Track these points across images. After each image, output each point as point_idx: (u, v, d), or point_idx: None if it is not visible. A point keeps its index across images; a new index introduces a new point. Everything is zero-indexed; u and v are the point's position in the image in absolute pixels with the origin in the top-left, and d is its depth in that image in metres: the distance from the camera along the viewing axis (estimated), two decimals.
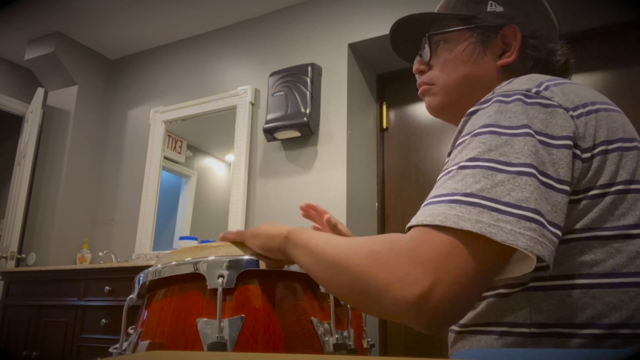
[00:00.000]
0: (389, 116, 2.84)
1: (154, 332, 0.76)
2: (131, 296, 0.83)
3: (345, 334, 0.83)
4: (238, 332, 0.71)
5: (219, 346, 0.69)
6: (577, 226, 0.56)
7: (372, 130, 2.81)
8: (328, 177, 2.51)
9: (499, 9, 0.75)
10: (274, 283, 0.78)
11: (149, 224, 3.05)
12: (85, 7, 3.08)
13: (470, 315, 0.64)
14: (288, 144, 2.70)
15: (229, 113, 2.94)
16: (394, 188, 2.70)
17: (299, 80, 2.61)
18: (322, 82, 2.67)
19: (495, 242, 0.48)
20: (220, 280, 0.73)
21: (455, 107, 0.77)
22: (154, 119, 3.24)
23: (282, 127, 2.56)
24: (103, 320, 2.38)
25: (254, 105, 2.89)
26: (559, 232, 0.51)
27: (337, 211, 2.42)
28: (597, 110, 0.59)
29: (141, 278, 0.82)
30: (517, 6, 0.76)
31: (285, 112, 2.57)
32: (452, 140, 0.62)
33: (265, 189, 2.72)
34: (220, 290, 0.72)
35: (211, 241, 2.12)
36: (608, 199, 0.56)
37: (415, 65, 0.83)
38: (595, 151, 0.57)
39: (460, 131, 0.61)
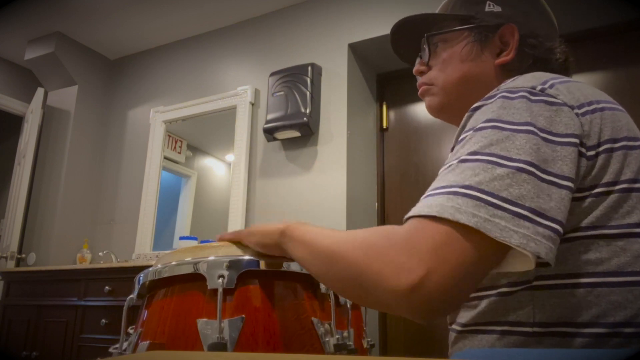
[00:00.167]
0: (389, 116, 2.84)
1: (154, 332, 0.76)
2: (131, 296, 0.83)
3: (346, 334, 0.83)
4: (238, 332, 0.71)
5: (219, 346, 0.69)
6: (582, 224, 0.56)
7: (372, 130, 2.81)
8: (328, 177, 2.51)
9: (497, 8, 0.76)
10: (274, 283, 0.78)
11: (149, 224, 3.05)
12: (85, 7, 3.08)
13: (471, 314, 0.64)
14: (288, 144, 2.69)
15: (229, 113, 2.94)
16: (394, 188, 2.70)
17: (299, 80, 2.61)
18: (322, 82, 2.67)
19: (490, 237, 0.49)
20: (220, 280, 0.73)
21: (454, 107, 0.77)
22: (154, 119, 3.24)
23: (282, 127, 2.56)
24: (103, 320, 2.38)
25: (254, 105, 2.89)
26: (558, 228, 0.51)
27: (337, 211, 2.42)
28: (602, 109, 0.59)
29: (141, 278, 0.82)
30: (515, 6, 0.76)
31: (285, 112, 2.57)
32: (455, 135, 0.62)
33: (265, 189, 2.72)
34: (220, 290, 0.72)
35: (211, 241, 2.12)
36: (613, 197, 0.56)
37: (416, 67, 0.83)
38: (600, 149, 0.57)
39: (464, 126, 0.61)
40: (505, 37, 0.75)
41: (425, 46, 0.80)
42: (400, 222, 0.55)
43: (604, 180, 0.56)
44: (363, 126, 2.73)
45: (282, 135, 2.61)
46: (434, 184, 0.55)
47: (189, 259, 0.77)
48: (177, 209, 3.19)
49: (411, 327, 2.48)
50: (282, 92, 2.63)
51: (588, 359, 0.52)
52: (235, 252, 0.78)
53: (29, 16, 3.17)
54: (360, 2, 2.67)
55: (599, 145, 0.57)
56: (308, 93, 2.57)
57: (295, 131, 2.56)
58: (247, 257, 0.77)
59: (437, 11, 0.82)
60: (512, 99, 0.58)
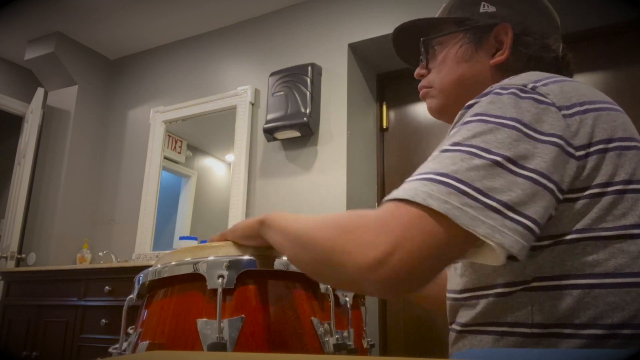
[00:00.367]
0: (389, 116, 2.84)
1: (153, 332, 0.76)
2: (131, 296, 0.82)
3: (345, 334, 0.83)
4: (238, 332, 0.71)
5: (218, 346, 0.69)
6: (578, 226, 0.56)
7: (372, 130, 2.81)
8: (328, 177, 2.51)
9: (491, 9, 0.77)
10: (274, 283, 0.78)
11: (149, 224, 3.05)
12: (85, 7, 3.08)
13: (471, 314, 0.64)
14: (288, 144, 2.69)
15: (229, 113, 2.94)
16: (394, 188, 2.67)
17: (299, 80, 2.61)
18: (322, 82, 2.67)
19: (458, 224, 0.50)
20: (220, 280, 0.73)
21: (453, 108, 0.78)
22: (154, 119, 3.24)
23: (282, 127, 2.56)
24: (103, 320, 2.38)
25: (254, 105, 2.89)
26: (528, 223, 0.51)
27: (337, 211, 2.42)
28: (597, 109, 0.59)
29: (141, 278, 0.82)
30: (510, 5, 0.77)
31: (285, 112, 2.57)
32: (448, 131, 0.64)
33: (265, 189, 2.72)
34: (220, 290, 0.72)
35: None
36: (607, 198, 0.56)
37: (417, 70, 0.85)
38: (592, 149, 0.57)
39: (456, 123, 0.62)
40: (500, 37, 0.75)
41: (423, 50, 0.81)
42: None
43: (597, 182, 0.56)
44: (363, 126, 2.73)
45: (282, 135, 2.61)
46: (415, 172, 0.57)
47: (188, 259, 0.77)
48: (177, 209, 3.19)
49: (411, 327, 2.48)
50: (282, 92, 2.63)
51: (588, 359, 0.52)
52: (235, 252, 0.78)
53: (29, 16, 3.17)
54: (360, 2, 2.67)
55: (589, 145, 0.57)
56: (308, 93, 2.57)
57: (295, 131, 2.56)
58: (246, 257, 0.77)
59: (437, 15, 0.84)
60: (502, 95, 0.59)
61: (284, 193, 2.64)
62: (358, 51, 2.72)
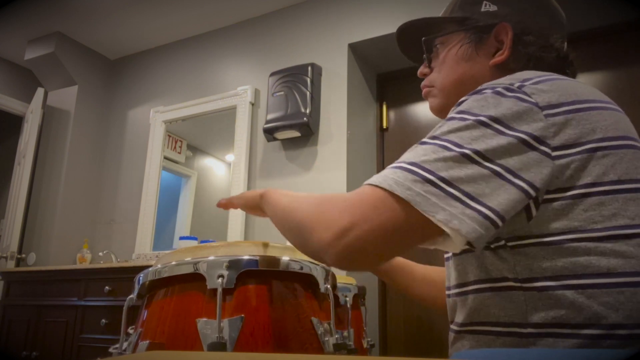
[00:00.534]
0: (389, 116, 2.84)
1: (153, 332, 0.76)
2: (131, 296, 0.82)
3: (345, 334, 0.83)
4: (238, 332, 0.71)
5: (218, 346, 0.69)
6: (562, 227, 0.56)
7: (372, 130, 2.81)
8: (328, 177, 2.51)
9: (493, 8, 0.77)
10: (273, 283, 0.78)
11: (149, 224, 3.05)
12: (85, 7, 3.08)
13: (463, 311, 0.65)
14: (288, 144, 2.70)
15: (229, 113, 2.94)
16: None
17: (299, 80, 2.61)
18: (322, 82, 2.67)
19: (417, 210, 0.53)
20: (220, 280, 0.73)
21: None
22: (154, 119, 3.24)
23: (282, 127, 2.56)
24: (103, 320, 2.38)
25: (254, 105, 2.89)
26: (489, 213, 0.53)
27: None
28: (588, 109, 0.59)
29: (141, 278, 0.82)
30: (511, 4, 0.76)
31: (285, 112, 2.57)
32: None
33: None
34: (220, 290, 0.72)
35: (211, 241, 2.12)
36: (593, 199, 0.56)
37: (420, 69, 0.85)
38: (577, 149, 0.56)
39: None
40: (500, 37, 0.75)
41: (425, 49, 0.82)
42: None
43: (582, 182, 0.56)
44: (363, 126, 2.73)
45: (282, 135, 2.61)
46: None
47: (188, 259, 0.77)
48: (177, 209, 3.19)
49: (411, 327, 2.48)
50: (282, 92, 2.63)
51: (588, 359, 0.52)
52: (235, 252, 0.78)
53: (29, 16, 3.17)
54: (360, 2, 2.67)
55: (574, 145, 0.56)
56: (308, 93, 2.57)
57: (295, 131, 2.56)
58: (246, 257, 0.77)
59: (440, 14, 0.84)
60: (487, 93, 0.59)
61: None
62: (358, 51, 2.72)
